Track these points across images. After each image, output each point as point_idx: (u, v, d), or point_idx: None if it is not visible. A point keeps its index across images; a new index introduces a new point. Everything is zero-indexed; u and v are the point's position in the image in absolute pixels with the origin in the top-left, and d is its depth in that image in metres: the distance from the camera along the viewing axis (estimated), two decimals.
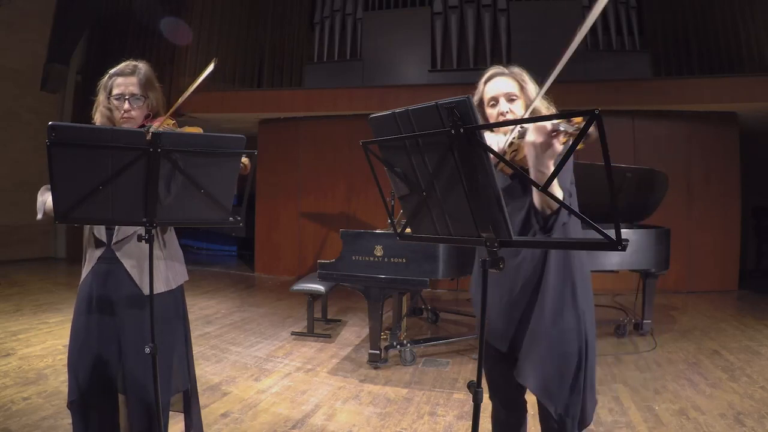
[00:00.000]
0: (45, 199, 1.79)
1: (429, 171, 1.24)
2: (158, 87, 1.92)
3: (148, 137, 1.48)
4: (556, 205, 1.41)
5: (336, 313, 5.46)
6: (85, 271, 1.87)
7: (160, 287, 1.84)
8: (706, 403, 3.04)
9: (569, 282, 1.58)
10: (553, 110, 1.66)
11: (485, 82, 1.68)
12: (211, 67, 1.59)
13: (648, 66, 7.15)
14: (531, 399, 1.72)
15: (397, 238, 1.53)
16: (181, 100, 1.75)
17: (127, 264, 1.82)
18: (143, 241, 1.60)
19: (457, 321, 5.27)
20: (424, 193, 1.28)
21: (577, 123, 1.25)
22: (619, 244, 1.04)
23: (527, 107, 1.60)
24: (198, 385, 3.25)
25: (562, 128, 1.27)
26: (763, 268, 8.41)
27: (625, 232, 4.21)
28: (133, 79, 1.84)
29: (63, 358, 3.64)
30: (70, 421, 1.86)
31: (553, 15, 7.19)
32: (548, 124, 1.28)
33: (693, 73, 6.98)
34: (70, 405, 1.83)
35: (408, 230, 1.47)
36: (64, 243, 9.00)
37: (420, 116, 1.19)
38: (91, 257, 1.86)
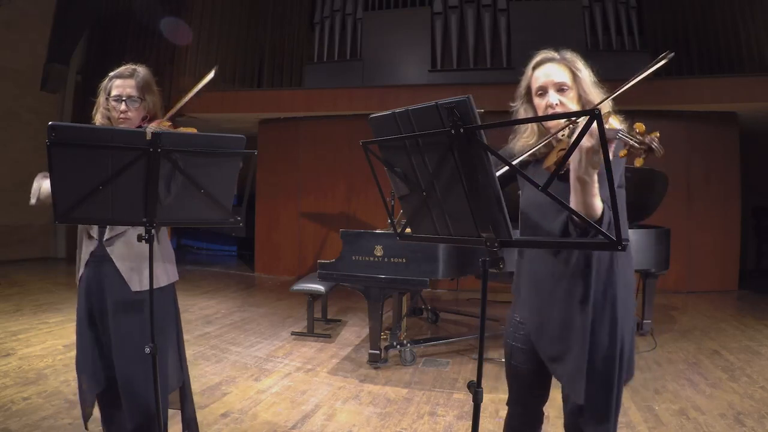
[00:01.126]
0: (40, 184, 1.82)
1: (429, 171, 1.24)
2: (156, 91, 1.95)
3: (148, 137, 1.48)
4: (597, 214, 1.28)
5: (336, 313, 5.46)
6: (80, 268, 1.91)
7: (159, 282, 1.88)
8: (706, 403, 3.04)
9: (612, 288, 1.48)
10: (609, 108, 1.48)
11: (533, 68, 1.52)
12: (211, 75, 1.59)
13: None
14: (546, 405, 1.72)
15: (397, 238, 1.53)
16: (180, 104, 1.76)
17: (118, 261, 1.84)
18: (143, 241, 1.60)
19: (457, 321, 5.26)
20: (424, 193, 1.28)
21: (640, 133, 1.14)
22: (619, 244, 1.04)
23: (581, 99, 1.48)
24: (198, 385, 3.26)
25: (623, 137, 1.14)
26: (763, 268, 8.41)
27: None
28: (131, 82, 1.88)
29: (63, 358, 3.64)
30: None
31: (553, 15, 7.19)
32: (612, 131, 1.16)
33: (693, 73, 6.98)
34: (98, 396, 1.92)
35: (408, 230, 1.47)
36: (64, 243, 9.00)
37: (420, 116, 1.19)
38: (84, 254, 1.89)
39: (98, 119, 1.94)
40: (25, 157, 8.02)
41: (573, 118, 1.34)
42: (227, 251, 10.72)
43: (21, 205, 8.49)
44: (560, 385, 1.56)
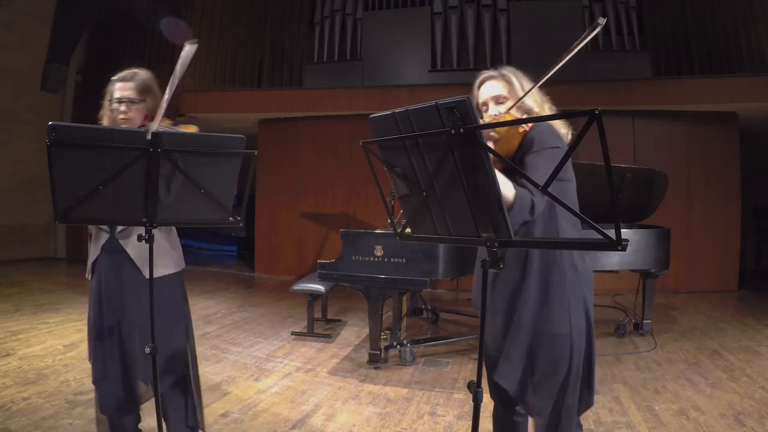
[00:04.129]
0: None
1: (429, 171, 1.24)
2: (157, 92, 2.02)
3: (149, 137, 1.48)
4: (510, 201, 1.40)
5: (336, 313, 5.46)
6: (91, 259, 1.99)
7: (171, 269, 2.03)
8: (706, 403, 3.04)
9: (549, 283, 1.55)
10: (546, 107, 1.69)
11: (478, 87, 1.74)
12: (187, 47, 1.61)
13: (648, 66, 7.15)
14: None
15: (397, 238, 1.53)
16: (168, 95, 1.75)
17: (132, 251, 1.93)
18: (143, 241, 1.62)
19: (457, 321, 5.26)
20: (424, 193, 1.28)
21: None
22: (618, 244, 1.04)
23: (518, 105, 1.65)
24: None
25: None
26: (763, 268, 8.41)
27: (625, 232, 4.21)
28: (131, 84, 1.97)
29: (63, 358, 3.64)
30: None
31: (553, 15, 7.19)
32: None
33: (693, 73, 6.97)
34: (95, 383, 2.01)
35: (408, 230, 1.47)
36: (64, 243, 9.00)
37: (420, 116, 1.19)
38: (96, 247, 1.97)
39: (105, 122, 2.02)
40: (25, 157, 8.03)
41: None
42: (227, 251, 10.72)
43: (21, 205, 8.52)
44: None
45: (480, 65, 7.44)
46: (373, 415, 2.90)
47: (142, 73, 2.01)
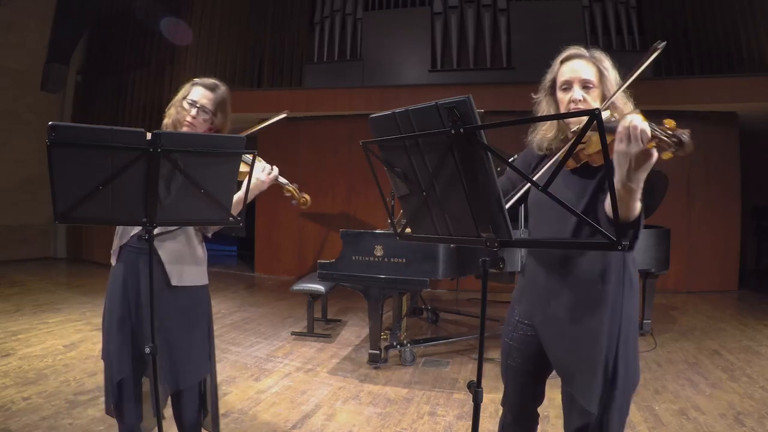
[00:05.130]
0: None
1: (429, 171, 1.24)
2: (228, 112, 2.06)
3: (148, 137, 1.49)
4: (635, 215, 1.25)
5: (336, 313, 5.46)
6: (119, 243, 1.92)
7: (199, 280, 2.05)
8: (706, 403, 3.04)
9: (624, 292, 1.44)
10: (631, 107, 1.52)
11: (561, 62, 1.53)
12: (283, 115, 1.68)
13: (648, 66, 7.14)
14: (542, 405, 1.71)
15: (397, 238, 1.53)
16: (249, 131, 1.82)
17: (164, 255, 1.90)
18: (143, 241, 1.61)
19: (457, 321, 5.26)
20: (424, 193, 1.28)
21: (669, 126, 1.10)
22: (619, 244, 1.04)
23: (605, 99, 1.47)
24: None
25: (662, 135, 1.08)
26: (763, 268, 8.41)
27: None
28: (211, 95, 1.98)
29: (63, 358, 3.64)
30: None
31: (553, 15, 7.19)
32: (649, 131, 1.10)
33: (693, 73, 6.98)
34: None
35: (408, 230, 1.47)
36: (64, 243, 9.00)
37: (420, 116, 1.19)
38: (126, 234, 1.91)
39: (171, 113, 2.01)
40: (25, 157, 8.03)
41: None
42: (227, 251, 10.71)
43: (21, 205, 8.52)
44: (559, 385, 1.55)
45: (480, 65, 7.44)
46: (373, 415, 2.90)
47: (224, 89, 2.03)
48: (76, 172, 1.48)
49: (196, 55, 8.10)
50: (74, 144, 1.46)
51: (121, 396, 1.90)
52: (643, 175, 1.19)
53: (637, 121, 1.11)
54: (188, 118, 1.95)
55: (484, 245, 1.21)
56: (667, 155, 1.11)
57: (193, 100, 1.96)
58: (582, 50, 1.52)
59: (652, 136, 1.08)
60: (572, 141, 1.08)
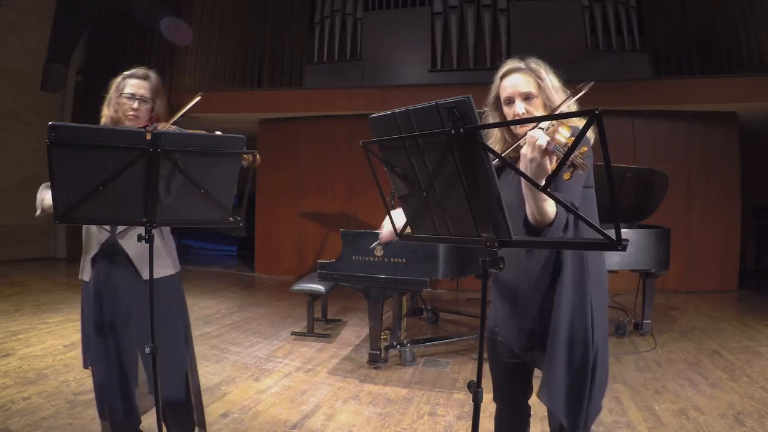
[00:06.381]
0: (43, 196, 1.89)
1: (429, 171, 1.24)
2: (164, 97, 2.08)
3: (149, 137, 1.48)
4: (550, 219, 1.34)
5: (336, 313, 5.46)
6: (88, 259, 1.98)
7: (169, 270, 2.05)
8: (706, 403, 3.04)
9: (583, 287, 1.48)
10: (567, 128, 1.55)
11: (501, 78, 1.59)
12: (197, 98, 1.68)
13: (648, 66, 7.15)
14: (534, 400, 1.71)
15: (397, 238, 1.53)
16: (181, 112, 1.88)
17: (131, 252, 1.94)
18: (143, 241, 1.62)
19: (457, 321, 5.26)
20: (424, 193, 1.28)
21: (569, 143, 1.21)
22: (619, 244, 1.04)
23: (545, 105, 1.54)
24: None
25: (553, 149, 1.23)
26: (763, 268, 8.41)
27: (625, 232, 4.21)
28: (146, 83, 2.00)
29: (63, 358, 3.64)
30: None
31: (553, 15, 7.19)
32: (544, 142, 1.24)
33: (693, 73, 6.97)
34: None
35: (408, 230, 1.47)
36: (64, 243, 9.00)
37: (420, 116, 1.19)
38: (95, 244, 1.97)
39: (107, 113, 2.02)
40: (25, 157, 8.02)
41: (538, 124, 1.40)
42: (227, 251, 10.71)
43: (21, 205, 8.51)
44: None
45: (480, 65, 7.44)
46: (373, 415, 2.90)
47: (154, 75, 2.05)
48: (76, 172, 1.48)
49: (196, 55, 8.10)
50: (74, 144, 1.46)
51: (109, 399, 1.94)
52: (539, 178, 1.27)
53: (537, 133, 1.27)
54: (130, 112, 1.96)
55: (484, 245, 1.21)
56: (566, 175, 1.23)
57: (131, 93, 1.97)
58: (518, 63, 1.59)
59: (547, 148, 1.23)
60: (573, 143, 1.08)
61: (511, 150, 1.54)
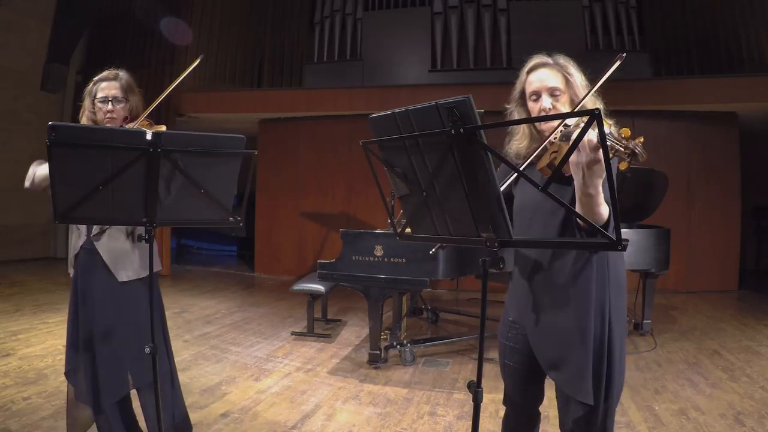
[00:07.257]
0: (36, 170, 1.95)
1: (429, 171, 1.24)
2: (138, 92, 2.10)
3: (149, 137, 1.48)
4: (604, 221, 1.29)
5: (336, 313, 5.46)
6: (69, 261, 2.06)
7: (131, 275, 2.02)
8: (706, 403, 3.04)
9: (603, 290, 1.46)
10: (601, 107, 1.49)
11: (528, 72, 1.56)
12: (197, 62, 1.70)
13: (648, 66, 7.15)
14: (543, 404, 1.72)
15: (397, 238, 1.53)
16: (161, 97, 1.93)
17: (104, 254, 1.97)
18: (143, 241, 1.62)
19: (457, 321, 5.26)
20: (424, 193, 1.28)
21: (625, 136, 1.14)
22: (619, 244, 1.04)
23: (572, 102, 1.51)
24: (198, 385, 3.27)
25: (615, 144, 1.14)
26: (763, 268, 8.41)
27: (625, 233, 4.21)
28: (116, 84, 2.03)
29: (63, 358, 3.63)
30: (71, 421, 1.93)
31: (553, 15, 7.19)
32: (594, 138, 1.13)
33: (693, 73, 6.97)
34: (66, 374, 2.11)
35: (408, 230, 1.47)
36: (64, 243, 8.96)
37: (420, 116, 1.19)
38: (74, 247, 2.03)
39: (83, 122, 2.06)
40: (25, 157, 7.98)
41: (564, 121, 1.37)
42: (227, 251, 10.71)
43: (21, 205, 8.48)
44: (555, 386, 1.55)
45: (480, 65, 7.45)
46: (373, 415, 2.90)
47: (124, 74, 2.08)
48: (76, 172, 1.48)
49: (196, 55, 7.99)
50: (74, 144, 1.46)
51: (75, 383, 2.04)
52: (598, 181, 1.23)
53: (590, 134, 1.14)
54: (108, 115, 2.00)
55: (484, 245, 1.21)
56: (624, 165, 1.16)
57: (103, 96, 2.00)
58: (546, 58, 1.54)
59: (600, 144, 1.08)
60: (571, 144, 1.08)
61: (534, 156, 1.49)
